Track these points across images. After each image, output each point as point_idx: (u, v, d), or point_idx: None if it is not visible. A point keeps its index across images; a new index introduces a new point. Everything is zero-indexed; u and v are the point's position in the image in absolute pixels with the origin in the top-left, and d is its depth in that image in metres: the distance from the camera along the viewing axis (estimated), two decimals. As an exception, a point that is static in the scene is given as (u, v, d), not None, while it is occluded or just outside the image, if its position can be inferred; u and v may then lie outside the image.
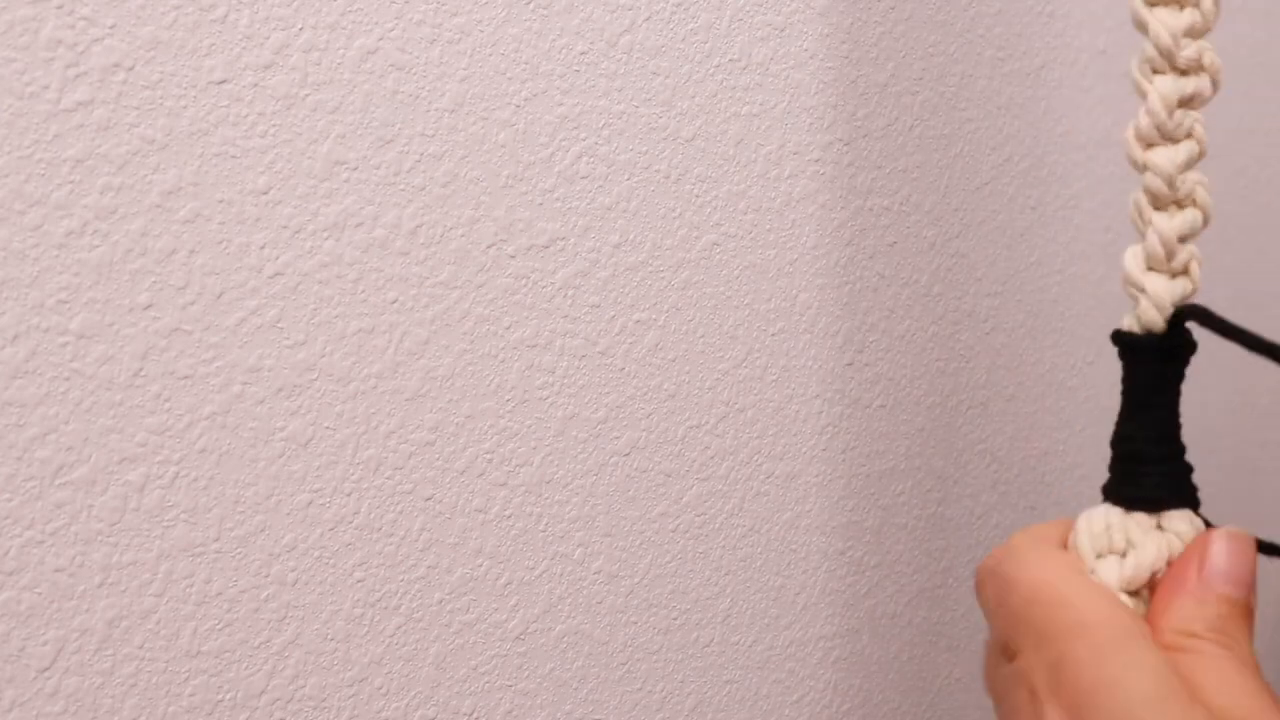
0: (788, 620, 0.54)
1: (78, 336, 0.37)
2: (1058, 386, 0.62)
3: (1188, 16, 0.31)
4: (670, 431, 0.49)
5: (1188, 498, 0.33)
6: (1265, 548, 0.33)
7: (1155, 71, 0.32)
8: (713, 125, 0.47)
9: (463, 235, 0.43)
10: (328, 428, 0.41)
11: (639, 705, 0.51)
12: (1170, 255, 0.32)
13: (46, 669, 0.38)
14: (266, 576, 0.41)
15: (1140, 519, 0.33)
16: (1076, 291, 0.61)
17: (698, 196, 0.47)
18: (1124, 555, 0.32)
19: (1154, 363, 0.33)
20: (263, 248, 0.39)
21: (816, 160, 0.50)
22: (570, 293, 0.45)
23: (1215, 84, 0.32)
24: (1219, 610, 0.31)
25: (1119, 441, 0.34)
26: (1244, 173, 0.66)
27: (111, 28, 0.35)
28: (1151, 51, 0.31)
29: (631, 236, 0.46)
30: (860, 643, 0.57)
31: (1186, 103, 0.32)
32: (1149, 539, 0.32)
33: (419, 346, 0.43)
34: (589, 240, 0.45)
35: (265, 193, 0.39)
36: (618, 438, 0.48)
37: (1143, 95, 0.32)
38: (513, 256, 0.44)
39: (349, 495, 0.42)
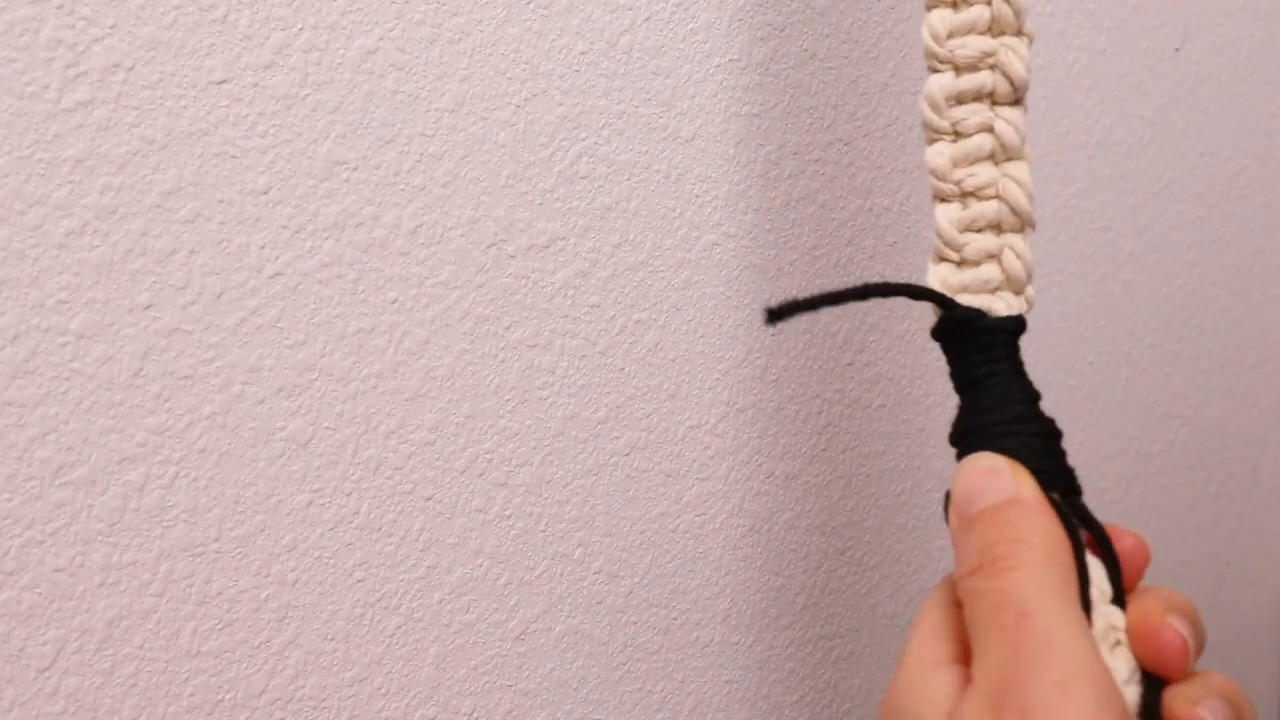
0: (788, 620, 0.54)
1: (78, 336, 0.37)
2: (1057, 387, 0.62)
3: (971, 14, 0.32)
4: (670, 431, 0.49)
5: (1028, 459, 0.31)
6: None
7: (931, 70, 0.33)
8: (713, 125, 0.47)
9: (463, 235, 0.43)
10: (328, 428, 0.41)
11: (639, 705, 0.51)
12: (952, 245, 0.33)
13: (46, 669, 0.38)
14: (266, 576, 0.41)
15: None
16: (1076, 291, 0.61)
17: (698, 196, 0.47)
18: None
19: (953, 346, 0.33)
20: (263, 248, 0.39)
21: (816, 160, 0.50)
22: (570, 293, 0.45)
23: (1011, 80, 0.32)
24: (979, 535, 0.29)
25: (953, 433, 0.33)
26: (1244, 172, 0.66)
27: (111, 28, 0.35)
28: (924, 50, 0.33)
29: (631, 236, 0.46)
30: (860, 643, 0.57)
31: (967, 99, 0.32)
32: None
33: (419, 346, 0.43)
34: (589, 240, 0.45)
35: (265, 193, 0.39)
36: (618, 438, 0.48)
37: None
38: (513, 256, 0.44)
39: (349, 495, 0.42)
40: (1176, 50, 0.61)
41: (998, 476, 0.30)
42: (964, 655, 0.29)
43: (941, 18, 0.33)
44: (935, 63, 0.33)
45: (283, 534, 0.41)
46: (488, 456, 0.45)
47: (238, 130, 0.38)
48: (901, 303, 0.55)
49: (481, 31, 0.42)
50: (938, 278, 0.33)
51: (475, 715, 0.47)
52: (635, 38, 0.45)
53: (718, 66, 0.47)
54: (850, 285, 0.32)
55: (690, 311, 0.48)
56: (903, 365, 0.55)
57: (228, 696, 0.41)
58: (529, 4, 0.42)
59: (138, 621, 0.39)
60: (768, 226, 0.50)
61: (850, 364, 0.53)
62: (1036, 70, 0.57)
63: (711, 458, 0.50)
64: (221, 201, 0.38)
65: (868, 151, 0.52)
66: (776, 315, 0.32)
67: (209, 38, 0.37)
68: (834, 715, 0.57)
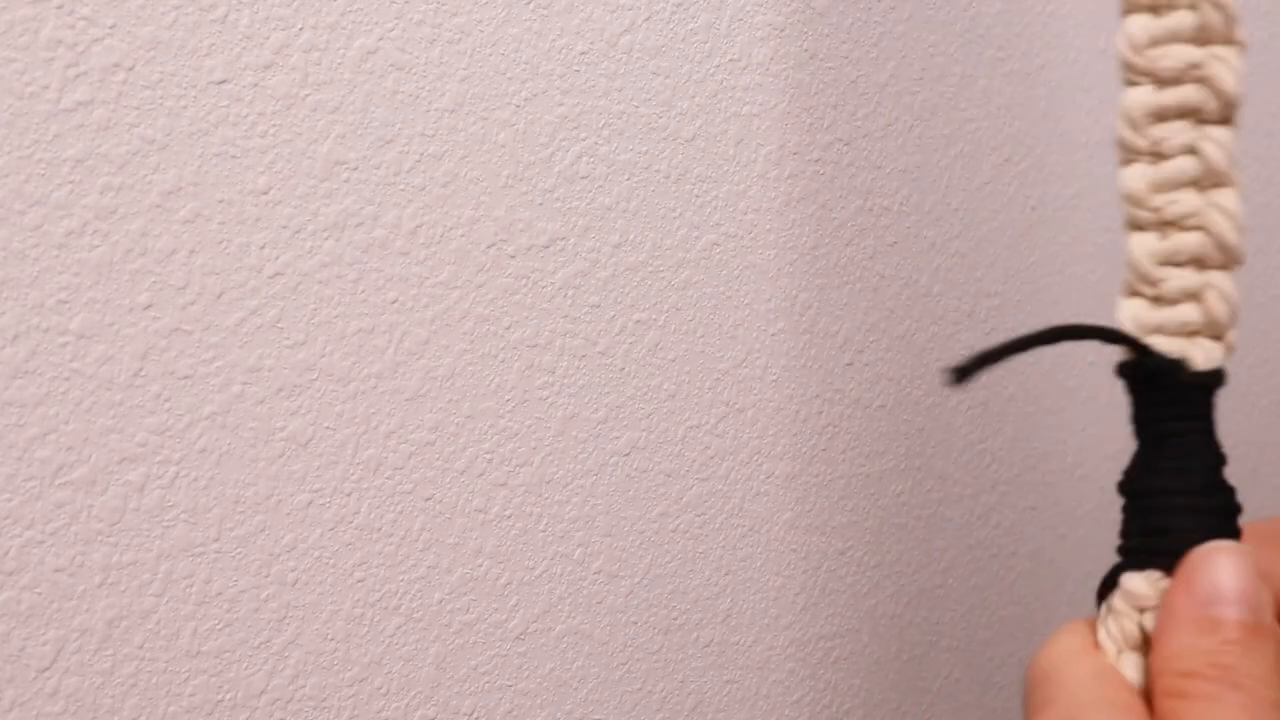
0: (788, 620, 0.54)
1: (78, 336, 0.37)
2: (1058, 386, 0.62)
3: (1173, 21, 0.29)
4: (670, 431, 0.49)
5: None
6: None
7: (1128, 83, 0.29)
8: (713, 125, 0.47)
9: (463, 235, 0.43)
10: (328, 428, 0.41)
11: (639, 705, 0.51)
12: (1145, 279, 0.30)
13: (46, 669, 0.38)
14: (266, 576, 0.41)
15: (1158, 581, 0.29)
16: (1076, 291, 0.61)
17: (698, 196, 0.47)
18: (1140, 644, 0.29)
19: (1142, 392, 0.30)
20: (263, 248, 0.39)
21: (816, 160, 0.50)
22: (570, 293, 0.45)
23: (1220, 97, 0.29)
24: (1221, 638, 0.27)
25: (1126, 483, 0.30)
26: (1244, 173, 0.66)
27: (111, 28, 0.35)
28: (1121, 60, 0.29)
29: (631, 236, 0.46)
30: (860, 643, 0.57)
31: (1167, 116, 0.29)
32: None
33: (419, 346, 0.43)
34: (589, 240, 0.45)
35: (265, 193, 0.39)
36: (618, 438, 0.48)
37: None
38: (513, 256, 0.44)
39: (349, 495, 0.42)
40: (1176, 50, 0.61)
41: (1255, 594, 0.28)
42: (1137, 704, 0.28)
43: (1141, 24, 0.29)
44: (1133, 74, 0.29)
45: (283, 534, 0.41)
46: (488, 456, 0.45)
47: (238, 130, 0.38)
48: (902, 303, 0.55)
49: (481, 31, 0.42)
50: (1130, 315, 0.30)
51: (475, 715, 0.47)
52: (635, 38, 0.45)
53: (718, 66, 0.47)
54: (1033, 331, 0.29)
55: (690, 311, 0.48)
56: (903, 365, 0.55)
57: (228, 696, 0.41)
58: (529, 4, 0.42)
59: (138, 621, 0.39)
60: (768, 226, 0.50)
61: (850, 364, 0.53)
62: (1036, 70, 0.57)
63: (711, 458, 0.50)
64: (221, 201, 0.38)
65: (868, 151, 0.52)
66: (964, 374, 0.29)
67: (209, 38, 0.37)
68: (834, 715, 0.57)
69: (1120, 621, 0.29)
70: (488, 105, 0.42)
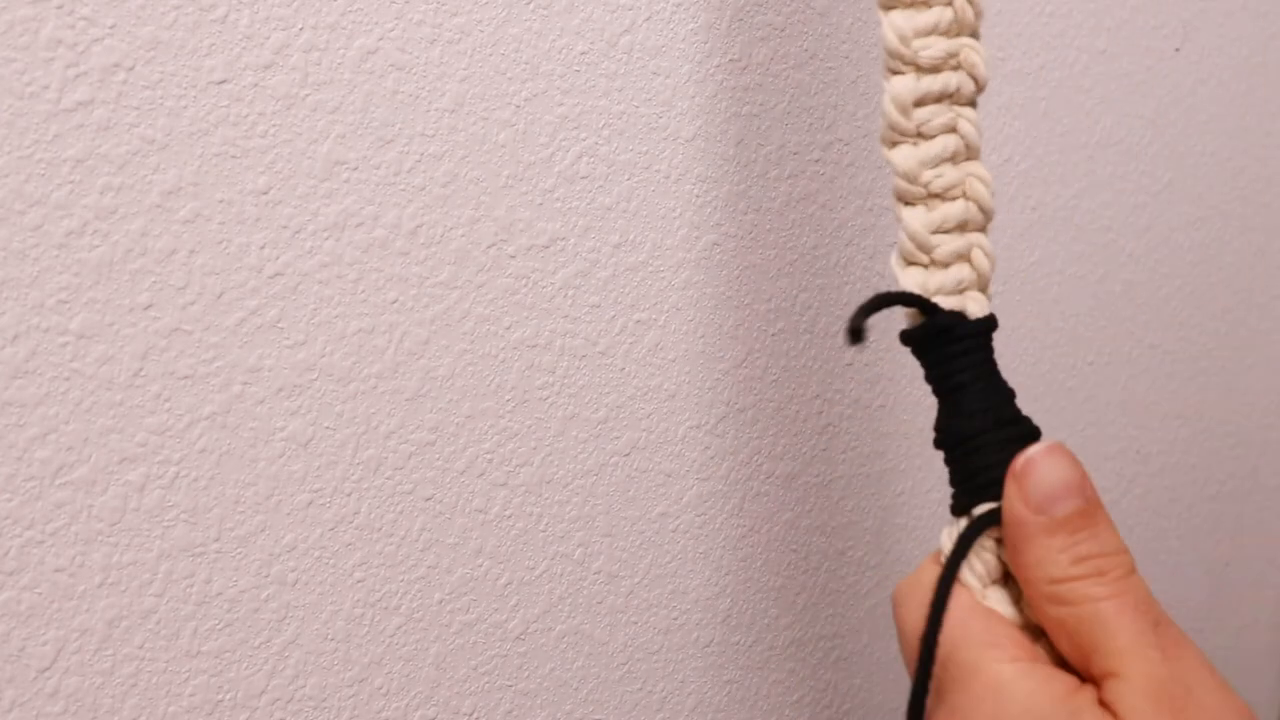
0: (788, 620, 0.54)
1: (78, 336, 0.37)
2: (1058, 387, 0.62)
3: (932, 15, 0.32)
4: (670, 431, 0.49)
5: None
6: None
7: (892, 72, 0.32)
8: (713, 125, 0.47)
9: (463, 235, 0.43)
10: (328, 428, 0.41)
11: (639, 705, 0.51)
12: (924, 247, 0.33)
13: (46, 669, 0.38)
14: (266, 576, 0.41)
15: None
16: (1076, 291, 0.61)
17: (698, 196, 0.47)
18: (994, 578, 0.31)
19: (934, 350, 0.33)
20: (263, 248, 0.39)
21: (816, 160, 0.50)
22: (570, 293, 0.45)
23: (976, 80, 0.32)
24: (1067, 534, 0.29)
25: (940, 436, 0.33)
26: (1244, 173, 0.66)
27: (111, 28, 0.35)
28: (885, 52, 0.32)
29: (631, 236, 0.46)
30: (860, 643, 0.57)
31: (930, 100, 0.32)
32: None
33: (419, 346, 0.43)
34: (589, 240, 0.45)
35: (265, 193, 0.39)
36: (618, 438, 0.48)
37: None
38: (513, 256, 0.44)
39: (349, 495, 0.42)
40: (1176, 50, 0.61)
41: (1081, 481, 0.30)
42: (1053, 656, 0.30)
43: (906, 18, 0.32)
44: (899, 64, 0.32)
45: (283, 534, 0.41)
46: (488, 456, 0.45)
47: (238, 130, 0.38)
48: (901, 303, 0.55)
49: (481, 31, 0.42)
50: (913, 282, 0.33)
51: (475, 715, 0.47)
52: (635, 38, 0.45)
53: (718, 66, 0.47)
54: (858, 287, 0.32)
55: (690, 311, 0.48)
56: (903, 365, 0.55)
57: (228, 696, 0.41)
58: (529, 4, 0.42)
59: (138, 621, 0.39)
60: (768, 226, 0.50)
61: (850, 364, 0.53)
62: (1037, 70, 0.57)
63: (711, 458, 0.50)
64: (221, 201, 0.38)
65: (868, 151, 0.52)
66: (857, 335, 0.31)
67: (209, 38, 0.37)
68: (834, 715, 0.57)
69: (981, 556, 0.31)
70: (488, 105, 0.42)
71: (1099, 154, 0.60)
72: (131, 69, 0.36)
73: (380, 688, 0.44)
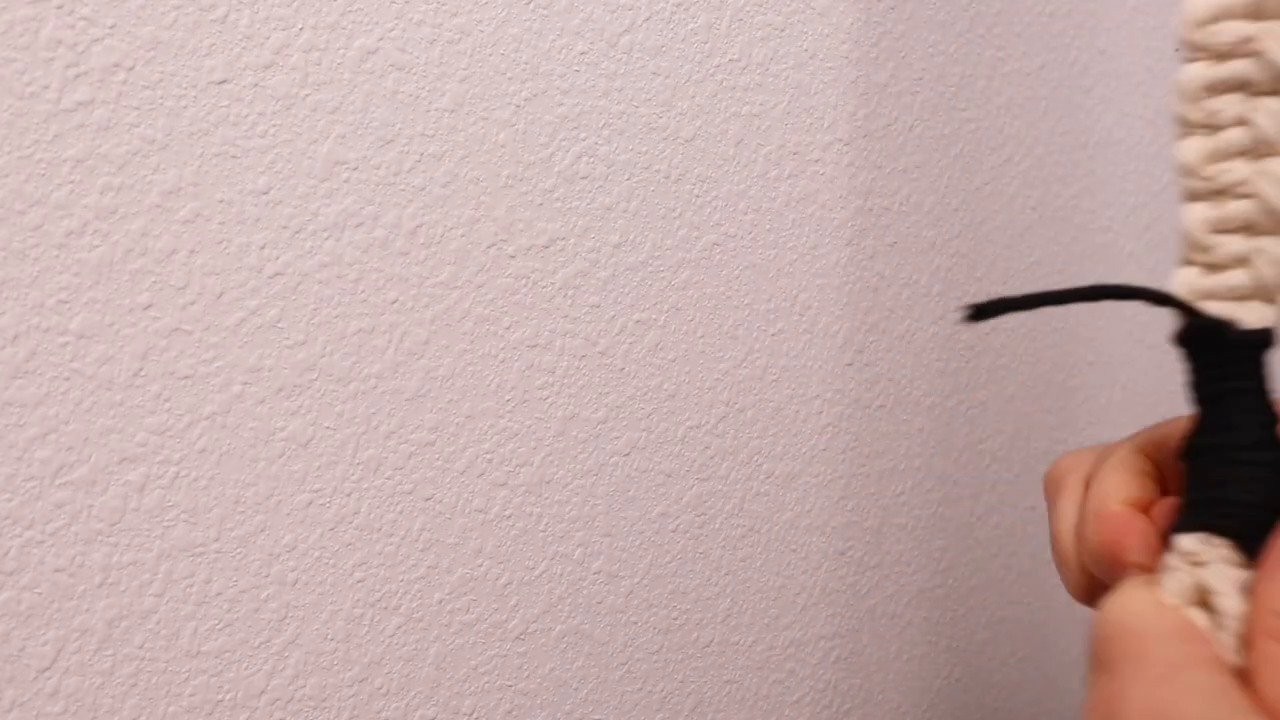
0: (788, 620, 0.54)
1: (78, 336, 0.37)
2: (1058, 386, 0.62)
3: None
4: (670, 431, 0.49)
5: None
6: None
7: (1187, 59, 0.31)
8: (713, 125, 0.47)
9: (463, 235, 0.43)
10: (328, 428, 0.41)
11: (639, 705, 0.51)
12: (1198, 247, 0.31)
13: (46, 669, 0.38)
14: (266, 576, 0.41)
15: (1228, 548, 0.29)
16: (1076, 291, 0.61)
17: (698, 196, 0.47)
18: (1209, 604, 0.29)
19: (1197, 355, 0.31)
20: (263, 248, 0.39)
21: (816, 160, 0.50)
22: (570, 293, 0.45)
23: (1271, 69, 0.30)
24: None
25: (1188, 447, 0.31)
26: (1244, 173, 0.66)
27: (111, 28, 0.35)
28: (1181, 36, 0.31)
29: (631, 236, 0.46)
30: (860, 643, 0.57)
31: (1222, 89, 0.30)
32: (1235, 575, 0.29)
33: (419, 346, 0.43)
34: (589, 240, 0.45)
35: (265, 193, 0.39)
36: (618, 438, 0.48)
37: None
38: (513, 256, 0.44)
39: (349, 495, 0.42)
40: (1176, 50, 0.61)
41: None
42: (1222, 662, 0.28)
43: (1202, 1, 0.30)
44: (1192, 50, 0.31)
45: (283, 534, 0.41)
46: (488, 456, 0.45)
47: (238, 130, 0.38)
48: (902, 303, 0.55)
49: (481, 31, 0.42)
50: (1183, 282, 0.31)
51: (475, 715, 0.47)
52: (635, 38, 0.45)
53: (718, 66, 0.47)
54: (1075, 287, 0.30)
55: (690, 311, 0.48)
56: (903, 365, 0.55)
57: (228, 696, 0.41)
58: (529, 4, 0.42)
59: (138, 621, 0.39)
60: (768, 226, 0.50)
61: (850, 364, 0.53)
62: (1036, 70, 0.57)
63: (711, 458, 0.50)
64: (221, 201, 0.38)
65: (868, 151, 0.52)
66: (981, 313, 0.30)
67: (209, 38, 0.37)
68: (834, 715, 0.57)
69: (1177, 576, 0.29)
70: (488, 105, 0.42)
71: (1099, 154, 0.60)
72: (131, 69, 0.36)
73: (380, 688, 0.44)
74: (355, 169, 0.40)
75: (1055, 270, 0.60)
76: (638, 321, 0.47)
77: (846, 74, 0.50)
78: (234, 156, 0.38)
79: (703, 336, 0.49)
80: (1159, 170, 0.62)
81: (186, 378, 0.39)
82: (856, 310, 0.53)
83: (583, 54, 0.44)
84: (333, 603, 0.43)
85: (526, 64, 0.43)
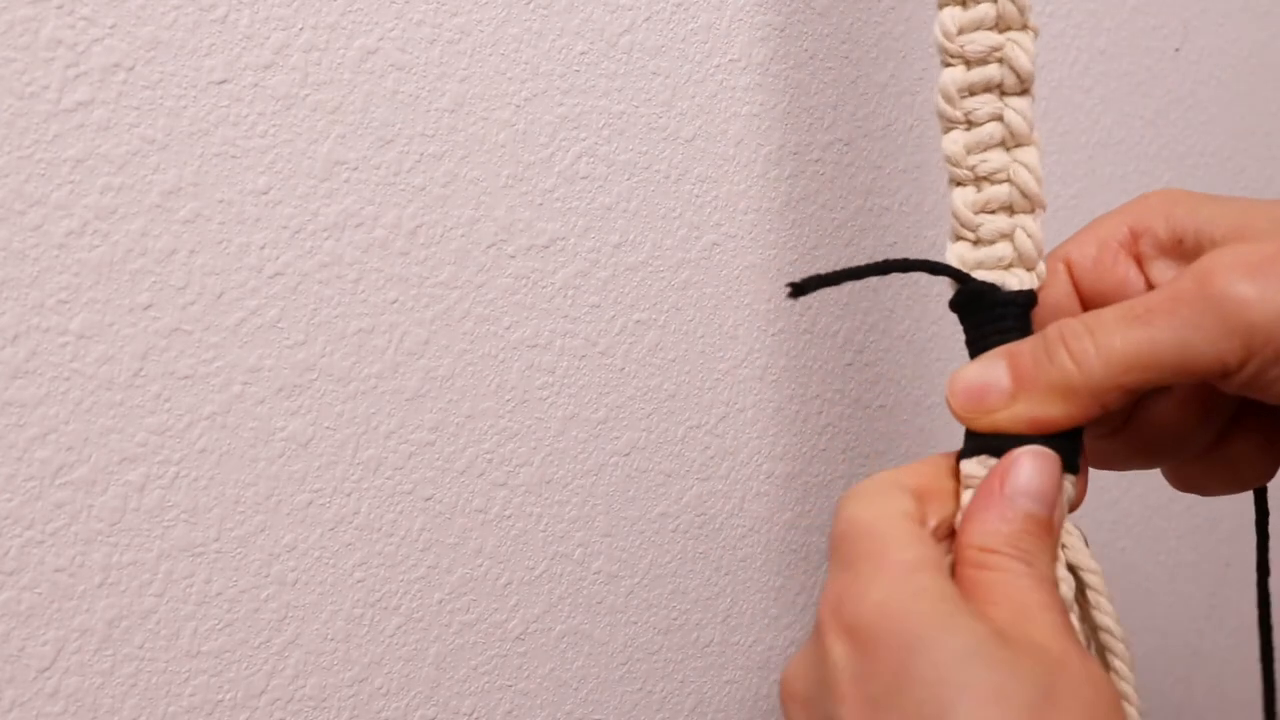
0: (788, 620, 0.54)
1: (78, 336, 0.37)
2: (1058, 386, 0.62)
3: (979, 11, 0.34)
4: (670, 431, 0.49)
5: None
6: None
7: (943, 65, 0.35)
8: (713, 125, 0.47)
9: (463, 235, 0.43)
10: (328, 428, 0.41)
11: (639, 705, 0.51)
12: (968, 225, 0.35)
13: (46, 669, 0.38)
14: (266, 576, 0.41)
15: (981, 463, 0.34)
16: (1076, 291, 0.61)
17: (698, 196, 0.47)
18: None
19: (968, 316, 0.35)
20: (263, 248, 0.39)
21: (816, 160, 0.50)
22: (570, 293, 0.45)
23: (1018, 74, 0.35)
24: (1020, 527, 0.32)
25: None
26: (1244, 173, 0.66)
27: (111, 28, 0.36)
28: (936, 46, 0.35)
29: (631, 236, 0.46)
30: (860, 643, 0.57)
31: (977, 90, 0.35)
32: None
33: (419, 346, 0.43)
34: (589, 240, 0.45)
35: (265, 193, 0.39)
36: (618, 438, 0.48)
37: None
38: (513, 256, 0.44)
39: (349, 495, 0.42)
40: (1176, 50, 0.61)
41: (1050, 495, 0.32)
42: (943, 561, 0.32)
43: (952, 15, 0.35)
44: (947, 57, 0.35)
45: (283, 534, 0.41)
46: (488, 456, 0.45)
47: (238, 130, 0.38)
48: (902, 303, 0.55)
49: (481, 31, 0.42)
50: (955, 255, 0.36)
51: (475, 715, 0.47)
52: (635, 38, 0.45)
53: (718, 66, 0.47)
54: (872, 261, 0.35)
55: (690, 311, 0.48)
56: (903, 365, 0.55)
57: (228, 696, 0.41)
58: (529, 4, 0.42)
59: (138, 621, 0.39)
60: (768, 226, 0.50)
61: (850, 364, 0.53)
62: (1036, 70, 0.57)
63: (711, 458, 0.50)
64: (221, 201, 0.38)
65: (868, 151, 0.52)
66: (800, 289, 0.34)
67: (209, 38, 0.37)
68: (834, 715, 0.57)
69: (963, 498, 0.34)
70: (488, 105, 0.42)
71: (1099, 154, 0.60)
72: (131, 69, 0.36)
73: (380, 688, 0.44)
74: (355, 169, 0.40)
75: (1055, 270, 0.60)
76: (638, 321, 0.47)
77: (846, 74, 0.50)
78: (234, 156, 0.38)
79: (703, 336, 0.49)
80: (1159, 170, 0.63)
81: (186, 378, 0.39)
82: (856, 310, 0.53)
83: (583, 54, 0.44)
84: (333, 603, 0.43)
85: (526, 64, 0.43)
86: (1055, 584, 0.32)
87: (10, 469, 0.36)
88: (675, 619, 0.51)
